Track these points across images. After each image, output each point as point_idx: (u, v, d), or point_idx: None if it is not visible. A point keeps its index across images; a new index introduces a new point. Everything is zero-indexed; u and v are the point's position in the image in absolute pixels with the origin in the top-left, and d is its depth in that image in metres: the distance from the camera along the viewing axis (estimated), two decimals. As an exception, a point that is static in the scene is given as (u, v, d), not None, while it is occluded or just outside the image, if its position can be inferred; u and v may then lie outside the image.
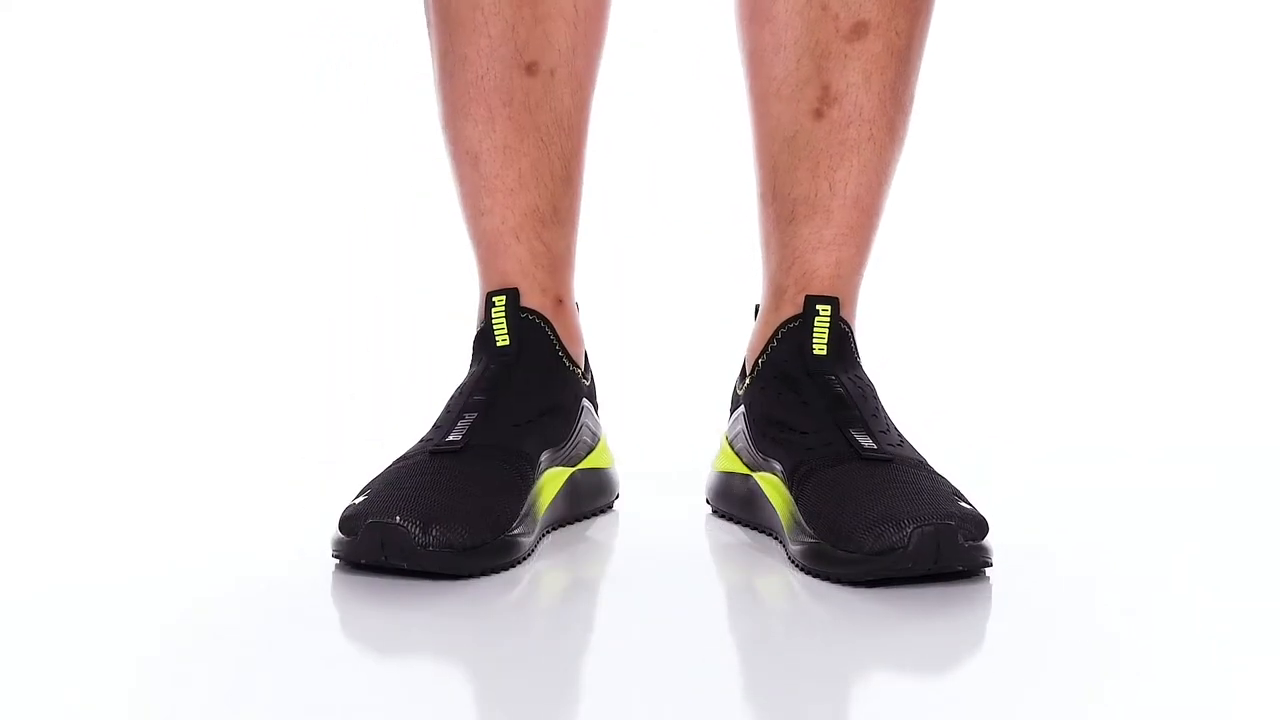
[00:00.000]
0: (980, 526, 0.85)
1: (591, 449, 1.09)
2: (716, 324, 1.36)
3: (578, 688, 0.69)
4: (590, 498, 1.09)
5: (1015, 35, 1.80)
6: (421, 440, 0.97)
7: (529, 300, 1.04)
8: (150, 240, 1.82)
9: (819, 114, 1.00)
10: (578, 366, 1.08)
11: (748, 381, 1.05)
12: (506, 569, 0.90)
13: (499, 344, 1.02)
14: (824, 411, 0.96)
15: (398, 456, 0.96)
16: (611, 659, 0.73)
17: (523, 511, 0.93)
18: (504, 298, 1.03)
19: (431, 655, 0.75)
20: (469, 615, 0.80)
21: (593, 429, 1.10)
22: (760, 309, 1.06)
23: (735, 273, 1.12)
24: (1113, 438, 1.63)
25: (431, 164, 1.07)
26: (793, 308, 1.02)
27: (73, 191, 1.83)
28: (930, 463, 0.94)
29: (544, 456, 1.00)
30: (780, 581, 0.90)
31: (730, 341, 1.11)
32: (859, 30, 0.98)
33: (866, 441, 0.93)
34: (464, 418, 0.97)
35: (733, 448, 1.07)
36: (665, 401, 1.62)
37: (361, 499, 0.90)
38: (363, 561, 0.87)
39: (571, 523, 1.07)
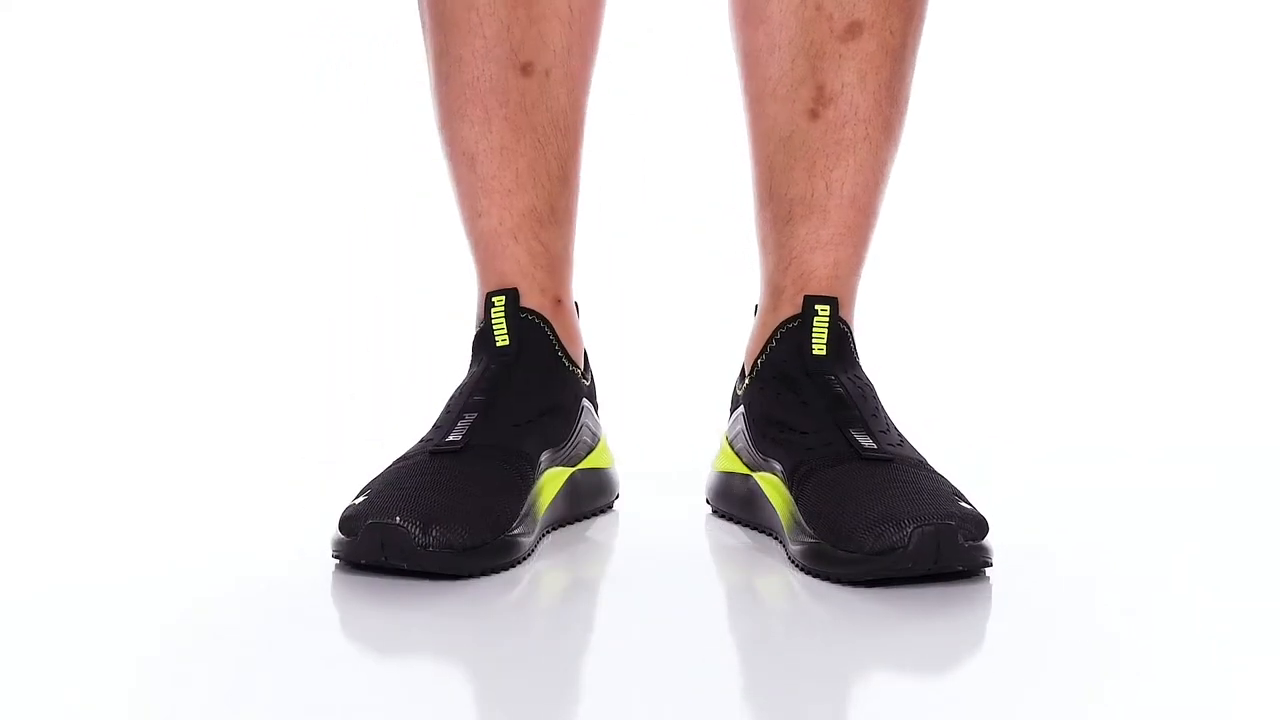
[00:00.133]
0: (980, 526, 0.85)
1: (591, 449, 1.09)
2: (716, 324, 1.36)
3: (578, 688, 0.69)
4: (590, 498, 1.09)
5: (1011, 32, 1.80)
6: (421, 440, 0.97)
7: (528, 300, 1.04)
8: (150, 240, 1.82)
9: (814, 114, 1.00)
10: (577, 366, 1.08)
11: (747, 382, 1.05)
12: (506, 569, 0.90)
13: (499, 344, 1.02)
14: (824, 411, 0.96)
15: (398, 456, 0.96)
16: (611, 659, 0.73)
17: (523, 511, 0.93)
18: (503, 298, 1.03)
19: (431, 655, 0.75)
20: (469, 615, 0.80)
21: (593, 429, 1.10)
22: (758, 309, 1.06)
23: (735, 273, 1.12)
24: (1112, 438, 1.63)
25: (431, 164, 1.07)
26: (791, 308, 1.02)
27: (72, 191, 1.83)
28: (930, 462, 0.94)
29: (544, 456, 1.00)
30: (780, 581, 0.90)
31: (730, 341, 1.11)
32: (853, 30, 0.98)
33: (866, 441, 0.93)
34: (464, 418, 0.97)
35: (733, 448, 1.07)
36: (665, 401, 1.61)
37: (361, 499, 0.90)
38: (363, 562, 0.87)
39: (571, 523, 1.07)
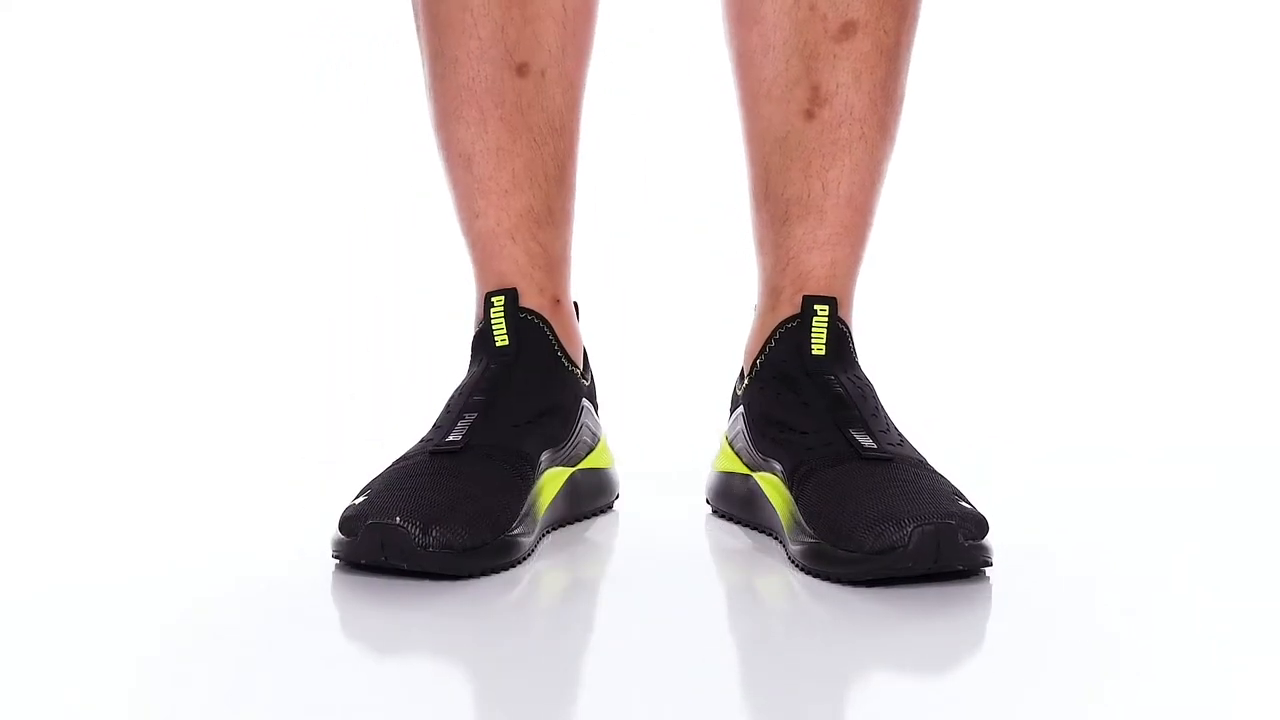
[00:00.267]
0: (980, 526, 0.85)
1: (591, 449, 1.09)
2: (716, 324, 1.36)
3: (578, 688, 0.69)
4: (590, 498, 1.09)
5: (1006, 29, 1.80)
6: (421, 440, 0.97)
7: (527, 301, 1.04)
8: (150, 240, 1.82)
9: (810, 114, 0.99)
10: (576, 366, 1.08)
11: (746, 382, 1.05)
12: (506, 569, 0.90)
13: (498, 344, 1.02)
14: (824, 411, 0.96)
15: (398, 457, 0.96)
16: (611, 659, 0.73)
17: (523, 511, 0.93)
18: (503, 298, 1.03)
19: (431, 655, 0.75)
20: (469, 615, 0.80)
21: (593, 429, 1.10)
22: (756, 309, 1.06)
23: (735, 272, 1.12)
24: (1112, 438, 1.63)
25: (430, 164, 1.07)
26: (790, 308, 1.02)
27: (72, 191, 1.83)
28: (930, 462, 0.94)
29: (544, 456, 1.00)
30: (780, 581, 0.90)
31: (730, 341, 1.11)
32: (847, 30, 0.98)
33: (866, 441, 0.93)
34: (464, 418, 0.97)
35: (733, 448, 1.07)
36: (665, 401, 1.61)
37: (361, 499, 0.90)
38: (363, 562, 0.87)
39: (571, 523, 1.07)
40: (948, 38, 1.32)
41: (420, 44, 1.05)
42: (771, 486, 0.99)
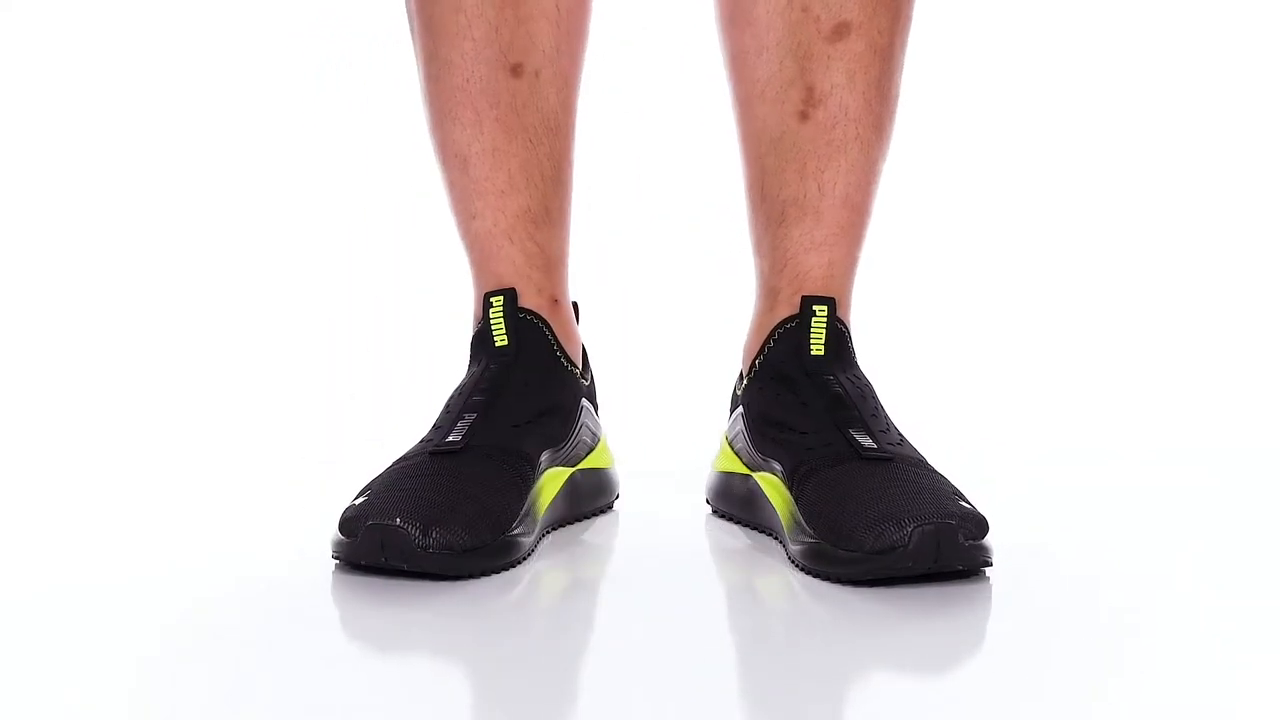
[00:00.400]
0: (980, 526, 0.85)
1: (591, 449, 1.09)
2: (716, 324, 1.36)
3: (578, 688, 0.69)
4: (590, 498, 1.09)
5: (1002, 27, 1.80)
6: (421, 441, 0.97)
7: (525, 301, 1.04)
8: (150, 240, 1.82)
9: (804, 115, 0.99)
10: (576, 366, 1.08)
11: (745, 382, 1.05)
12: (506, 569, 0.90)
13: (498, 344, 1.02)
14: (823, 412, 0.96)
15: (398, 457, 0.96)
16: (611, 659, 0.73)
17: (523, 511, 0.93)
18: (502, 298, 1.03)
19: (431, 655, 0.75)
20: (469, 615, 0.80)
21: (592, 429, 1.10)
22: (754, 310, 1.06)
23: (735, 272, 1.12)
24: (1113, 438, 1.63)
25: (430, 164, 1.07)
26: (788, 308, 1.02)
27: (72, 191, 1.83)
28: (930, 462, 0.94)
29: (544, 456, 1.00)
30: (780, 581, 0.90)
31: (730, 341, 1.11)
32: (840, 31, 0.98)
33: (866, 441, 0.93)
34: (464, 418, 0.97)
35: (733, 448, 1.07)
36: (665, 401, 1.62)
37: (361, 500, 0.90)
38: (363, 563, 0.87)
39: (571, 523, 1.07)
40: (941, 35, 1.32)
41: (414, 46, 1.05)
42: (771, 486, 0.99)
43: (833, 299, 1.00)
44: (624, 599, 0.87)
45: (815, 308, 1.00)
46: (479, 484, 0.91)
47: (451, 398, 1.01)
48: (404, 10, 1.06)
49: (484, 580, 0.87)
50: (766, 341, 1.02)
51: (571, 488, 1.05)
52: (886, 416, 0.97)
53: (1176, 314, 1.80)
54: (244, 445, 1.60)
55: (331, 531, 0.89)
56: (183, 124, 1.82)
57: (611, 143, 1.64)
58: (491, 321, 1.03)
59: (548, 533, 1.02)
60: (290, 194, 1.82)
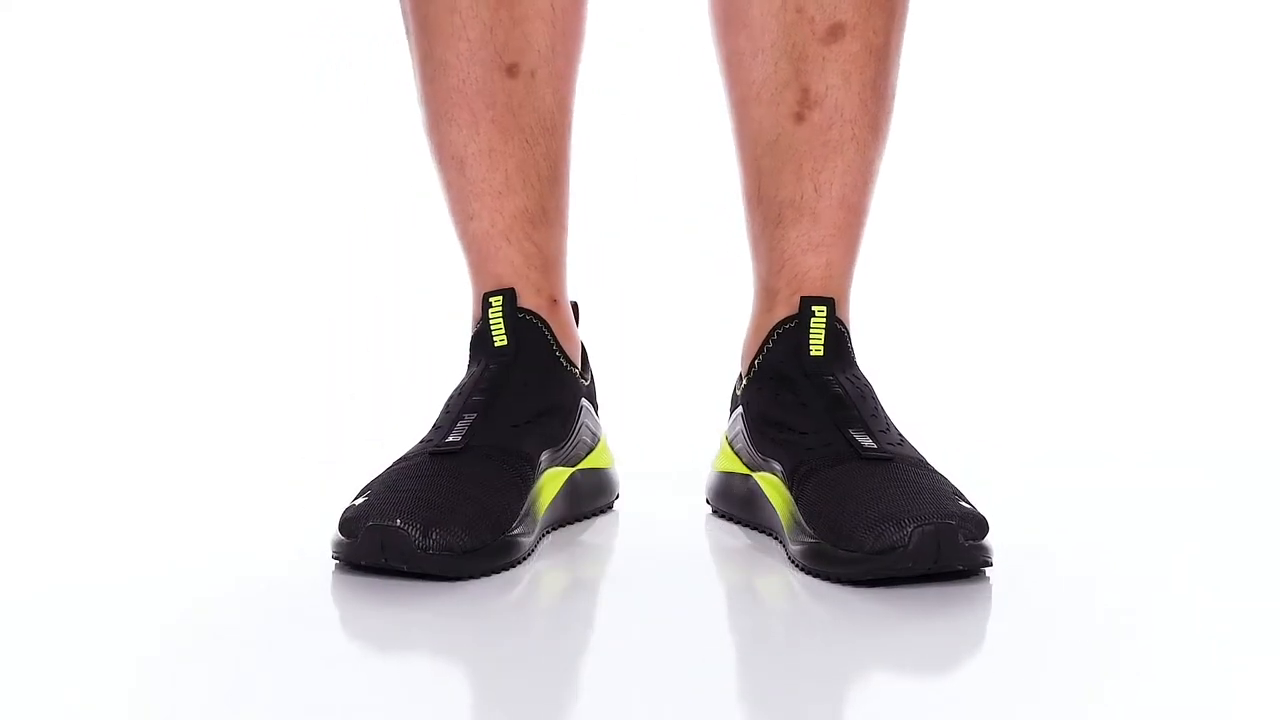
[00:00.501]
0: (980, 526, 0.85)
1: (591, 449, 1.09)
2: (716, 324, 1.36)
3: (578, 688, 0.69)
4: (590, 498, 1.09)
5: (997, 25, 1.80)
6: (421, 441, 0.97)
7: (524, 301, 1.04)
8: (150, 240, 1.82)
9: (800, 117, 0.99)
10: (575, 366, 1.08)
11: (744, 382, 1.05)
12: (506, 569, 0.90)
13: (497, 344, 1.02)
14: (823, 412, 0.96)
15: (398, 457, 0.96)
16: (611, 659, 0.73)
17: (523, 511, 0.93)
18: (501, 298, 1.03)
19: (431, 655, 0.75)
20: (469, 615, 0.80)
21: (592, 429, 1.10)
22: (751, 311, 1.06)
23: (735, 272, 1.12)
24: (1112, 439, 1.63)
25: (429, 164, 1.07)
26: (786, 308, 1.01)
27: (72, 192, 1.83)
28: (930, 462, 0.94)
29: (544, 456, 1.00)
30: (780, 581, 0.90)
31: (730, 341, 1.11)
32: (835, 32, 0.97)
33: (866, 441, 0.93)
34: (463, 418, 0.97)
35: (732, 448, 1.07)
36: (665, 401, 1.62)
37: (361, 500, 0.90)
38: (363, 563, 0.87)
39: (571, 523, 1.07)
40: (937, 33, 1.32)
41: (410, 47, 1.05)
42: (771, 486, 0.99)
43: (831, 299, 1.00)
44: (624, 599, 0.87)
45: (814, 308, 1.00)
46: (479, 484, 0.91)
47: (451, 398, 1.01)
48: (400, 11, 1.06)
49: (484, 580, 0.87)
50: (765, 342, 1.02)
51: (571, 488, 1.05)
52: (886, 416, 0.97)
53: (1173, 316, 1.80)
54: (244, 445, 1.60)
55: (331, 532, 0.89)
56: (183, 124, 1.82)
57: (612, 143, 1.64)
58: (491, 322, 1.03)
59: (548, 533, 1.02)
60: (290, 194, 1.82)
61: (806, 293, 1.01)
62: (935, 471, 0.92)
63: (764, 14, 0.99)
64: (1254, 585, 0.91)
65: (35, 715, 0.64)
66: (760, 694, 0.68)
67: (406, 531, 0.85)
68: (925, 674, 0.71)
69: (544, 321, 1.04)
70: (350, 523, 0.87)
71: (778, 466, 0.98)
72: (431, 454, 0.94)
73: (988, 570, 0.87)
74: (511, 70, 1.01)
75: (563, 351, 1.06)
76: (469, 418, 0.97)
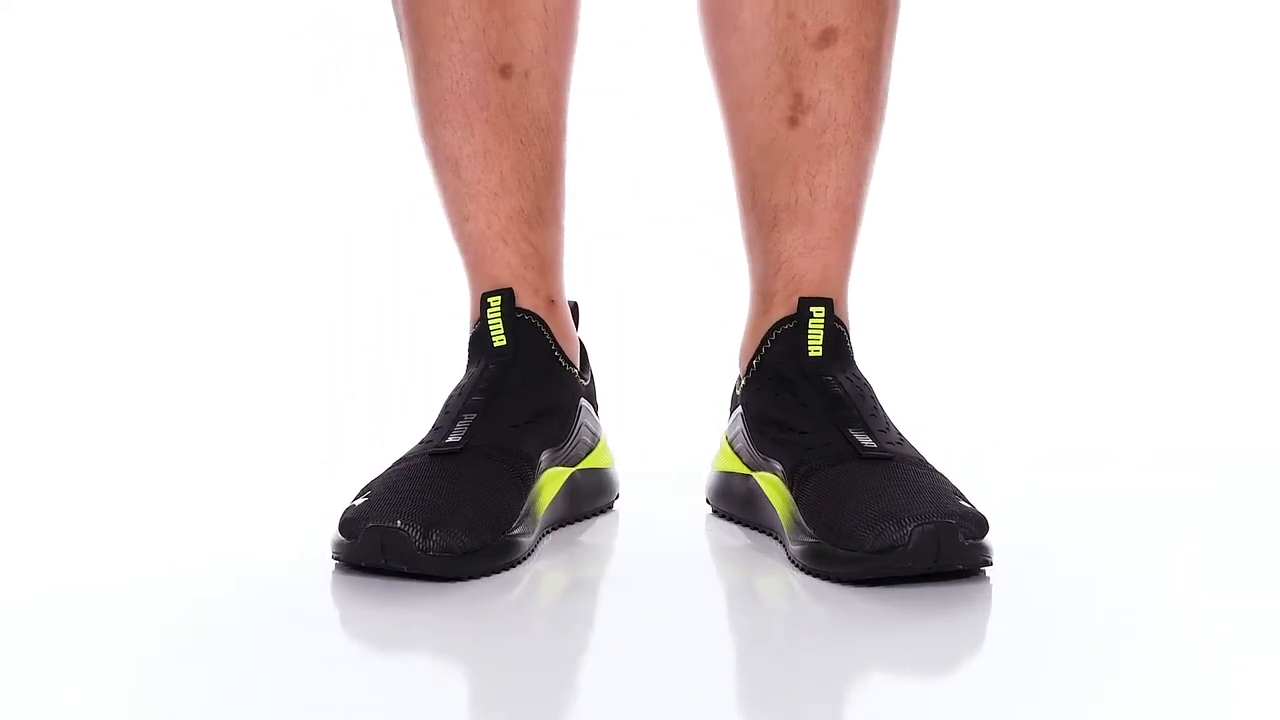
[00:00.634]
0: (980, 525, 0.85)
1: (591, 449, 1.09)
2: (716, 324, 1.36)
3: (577, 688, 0.69)
4: (590, 498, 1.09)
5: (989, 26, 1.79)
6: (421, 442, 0.97)
7: (522, 302, 1.04)
8: (150, 240, 1.82)
9: (793, 121, 0.99)
10: (574, 366, 1.08)
11: (744, 383, 1.05)
12: (506, 569, 0.90)
13: (496, 344, 1.02)
14: (822, 412, 0.96)
15: (398, 458, 0.96)
16: (611, 659, 0.73)
17: (523, 511, 0.93)
18: (499, 298, 1.03)
19: (431, 655, 0.75)
20: (469, 615, 0.81)
21: (592, 429, 1.10)
22: (748, 312, 1.06)
23: (735, 272, 1.12)
24: (1112, 439, 1.63)
25: (426, 166, 1.07)
26: (784, 309, 1.01)
27: (72, 192, 1.83)
28: (930, 461, 0.94)
29: (544, 456, 1.00)
30: (780, 581, 0.90)
31: (730, 341, 1.12)
32: (827, 37, 0.97)
33: (866, 440, 0.93)
34: (463, 419, 0.97)
35: (732, 448, 1.07)
36: (665, 401, 1.62)
37: (361, 501, 0.90)
38: (363, 564, 0.87)
39: (571, 523, 1.07)
40: (929, 35, 1.32)
41: (404, 50, 1.05)
42: (771, 486, 0.99)
43: (830, 299, 1.00)
44: (624, 599, 0.87)
45: (813, 309, 1.00)
46: (479, 485, 0.91)
47: (450, 398, 1.01)
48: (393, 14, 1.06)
49: (484, 580, 0.87)
50: (763, 343, 1.02)
51: (571, 488, 1.05)
52: (886, 416, 0.97)
53: (1173, 316, 1.80)
54: (244, 445, 1.60)
55: (331, 532, 0.89)
56: (182, 125, 1.82)
57: (611, 143, 1.64)
58: (489, 322, 1.03)
59: (548, 533, 1.02)
60: (290, 195, 1.82)
61: (804, 294, 1.01)
62: (935, 471, 0.92)
63: (755, 19, 0.99)
64: (1254, 585, 0.91)
65: (35, 715, 0.64)
66: (760, 694, 0.68)
67: (407, 532, 0.85)
68: (925, 674, 0.71)
69: (542, 321, 1.04)
70: (350, 523, 0.87)
71: (778, 466, 0.97)
72: (431, 454, 0.94)
73: (988, 570, 0.87)
74: (505, 71, 1.01)
75: (561, 351, 1.06)
76: (468, 418, 0.97)
